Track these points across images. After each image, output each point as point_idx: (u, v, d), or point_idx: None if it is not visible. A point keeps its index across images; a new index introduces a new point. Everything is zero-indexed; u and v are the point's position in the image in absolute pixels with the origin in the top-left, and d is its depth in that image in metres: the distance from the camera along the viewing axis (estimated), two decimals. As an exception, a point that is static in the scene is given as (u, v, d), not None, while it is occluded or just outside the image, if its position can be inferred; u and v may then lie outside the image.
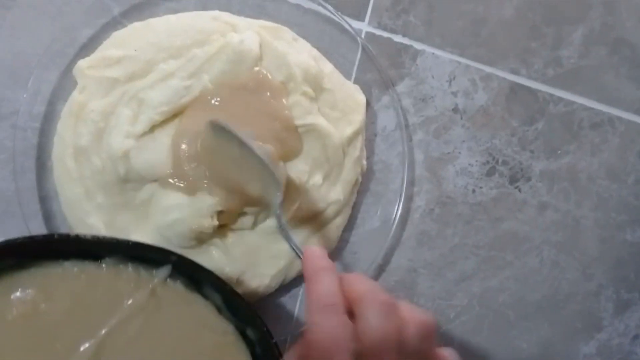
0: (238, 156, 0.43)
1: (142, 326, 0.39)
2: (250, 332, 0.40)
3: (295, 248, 0.40)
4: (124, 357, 0.38)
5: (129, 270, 0.40)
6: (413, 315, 0.33)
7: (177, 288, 0.40)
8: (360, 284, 0.34)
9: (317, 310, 0.32)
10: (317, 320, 0.32)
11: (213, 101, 0.45)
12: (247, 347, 0.40)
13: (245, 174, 0.43)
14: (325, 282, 0.34)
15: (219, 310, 0.40)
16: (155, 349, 0.38)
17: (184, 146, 0.44)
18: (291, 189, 0.45)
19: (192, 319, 0.40)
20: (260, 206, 0.45)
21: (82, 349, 0.37)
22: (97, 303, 0.39)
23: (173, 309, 0.40)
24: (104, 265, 0.40)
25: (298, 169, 0.46)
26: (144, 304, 0.39)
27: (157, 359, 0.38)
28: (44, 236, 0.39)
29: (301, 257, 0.37)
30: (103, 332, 0.38)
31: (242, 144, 0.42)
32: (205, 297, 0.40)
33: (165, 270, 0.40)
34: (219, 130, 0.42)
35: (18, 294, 0.38)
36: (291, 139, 0.46)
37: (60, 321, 0.38)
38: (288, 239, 0.41)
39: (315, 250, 0.36)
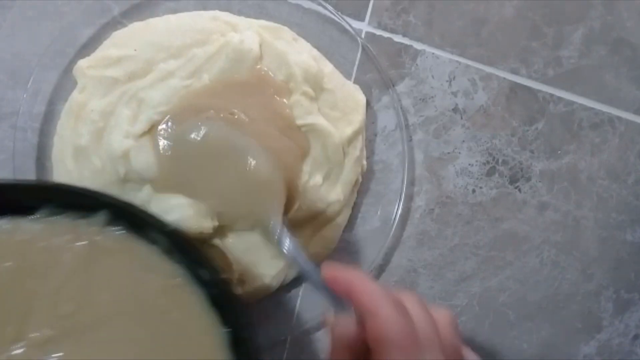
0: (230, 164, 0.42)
1: (85, 279, 0.37)
2: (202, 273, 0.38)
3: (306, 270, 0.37)
4: (72, 313, 0.36)
5: (65, 221, 0.37)
6: (440, 312, 0.32)
7: (119, 235, 0.38)
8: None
9: (387, 303, 0.30)
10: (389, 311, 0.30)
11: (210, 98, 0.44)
12: (203, 288, 0.38)
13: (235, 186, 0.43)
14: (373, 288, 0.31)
15: (168, 253, 0.38)
16: (100, 301, 0.37)
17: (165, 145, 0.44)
18: (291, 189, 0.45)
19: (137, 265, 0.38)
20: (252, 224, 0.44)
21: (34, 314, 0.36)
22: (39, 263, 0.37)
23: (116, 257, 0.38)
24: (38, 216, 0.37)
25: (298, 169, 0.46)
26: (84, 256, 0.37)
27: (103, 310, 0.37)
28: None
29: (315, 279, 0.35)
30: (48, 292, 0.36)
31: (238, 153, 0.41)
32: (151, 241, 0.38)
33: (102, 217, 0.37)
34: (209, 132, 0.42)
35: None
36: (299, 138, 0.46)
37: (8, 286, 0.36)
38: (297, 261, 0.38)
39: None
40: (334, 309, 0.32)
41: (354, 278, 0.31)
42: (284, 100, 0.45)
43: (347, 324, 0.31)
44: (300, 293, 0.50)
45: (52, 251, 0.37)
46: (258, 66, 0.45)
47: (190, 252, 0.38)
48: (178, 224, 0.43)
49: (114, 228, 0.38)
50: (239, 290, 0.46)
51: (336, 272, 0.32)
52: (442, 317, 0.32)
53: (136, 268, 0.38)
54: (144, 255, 0.38)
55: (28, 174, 0.46)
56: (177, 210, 0.43)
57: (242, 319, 0.37)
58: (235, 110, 0.44)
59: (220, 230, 0.45)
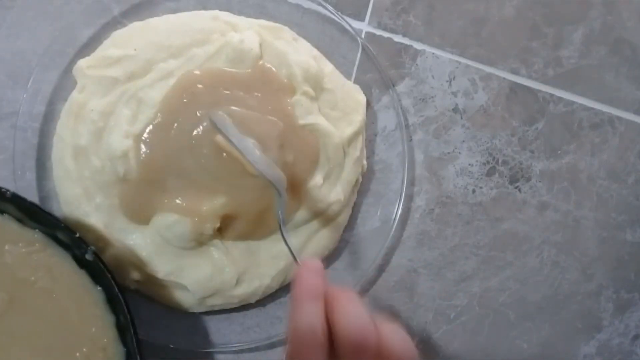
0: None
1: None
2: (61, 236, 0.38)
3: (294, 255, 0.40)
4: None
5: None
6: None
7: None
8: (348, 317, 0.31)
9: (297, 342, 0.31)
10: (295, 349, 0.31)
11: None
12: (65, 251, 0.38)
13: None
14: (308, 312, 0.31)
15: (20, 221, 0.38)
16: None
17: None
18: (294, 190, 0.45)
19: None
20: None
21: None
22: None
23: None
24: None
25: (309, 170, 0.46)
26: None
27: None
28: None
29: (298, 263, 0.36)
30: None
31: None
32: (0, 211, 0.38)
33: None
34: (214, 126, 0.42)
35: None
36: (310, 137, 0.45)
37: None
38: (287, 244, 0.41)
39: (310, 267, 0.34)
40: None
41: (305, 282, 0.33)
42: (287, 99, 0.45)
43: None
44: (300, 293, 0.50)
45: None
46: (261, 62, 0.45)
47: (42, 216, 0.37)
48: (177, 224, 0.43)
49: None
50: (239, 291, 0.46)
51: (302, 272, 0.33)
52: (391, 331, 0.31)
53: None
54: None
55: (28, 174, 0.46)
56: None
57: (110, 277, 0.36)
58: (234, 91, 0.44)
59: (220, 231, 0.45)
